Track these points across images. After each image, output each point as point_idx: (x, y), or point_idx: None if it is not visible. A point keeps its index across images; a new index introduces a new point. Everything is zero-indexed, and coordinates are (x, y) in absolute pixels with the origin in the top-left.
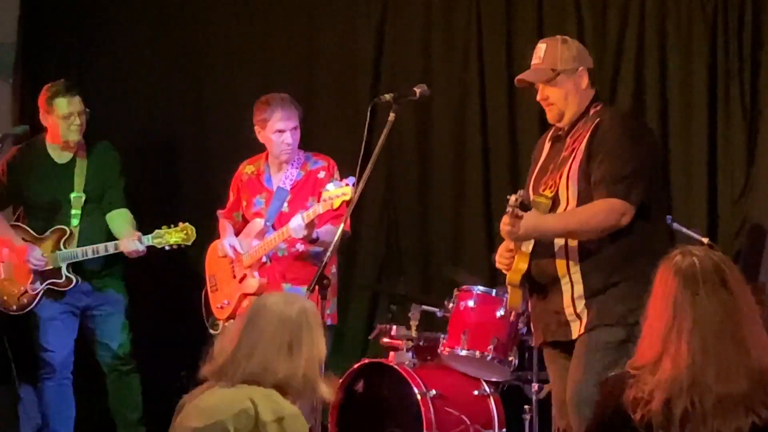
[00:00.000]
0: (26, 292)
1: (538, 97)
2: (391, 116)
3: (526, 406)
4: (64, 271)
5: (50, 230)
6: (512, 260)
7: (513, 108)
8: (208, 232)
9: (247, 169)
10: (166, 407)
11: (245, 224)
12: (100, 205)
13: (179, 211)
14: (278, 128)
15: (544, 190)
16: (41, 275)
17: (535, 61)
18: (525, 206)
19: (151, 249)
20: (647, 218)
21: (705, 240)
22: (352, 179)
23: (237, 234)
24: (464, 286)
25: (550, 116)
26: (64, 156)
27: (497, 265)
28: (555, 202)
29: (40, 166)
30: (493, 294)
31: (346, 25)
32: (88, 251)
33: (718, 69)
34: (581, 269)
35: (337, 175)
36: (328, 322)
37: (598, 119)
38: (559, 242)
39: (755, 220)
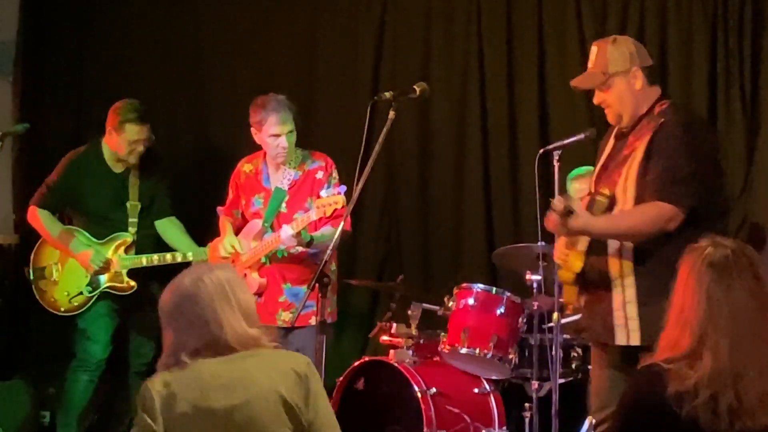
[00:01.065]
0: (80, 294)
1: (595, 101)
2: (391, 114)
3: (526, 404)
4: (125, 276)
5: (110, 236)
6: (567, 258)
7: (513, 107)
8: (208, 232)
9: (245, 167)
10: None
11: (245, 222)
12: (150, 213)
13: (179, 210)
14: (273, 132)
15: (602, 189)
16: (99, 279)
17: (589, 65)
18: (569, 210)
19: None
20: (702, 225)
21: None
22: (343, 188)
23: (237, 232)
24: (464, 284)
25: (609, 118)
26: (120, 165)
27: (556, 260)
28: (612, 201)
29: (97, 173)
30: (493, 292)
31: (347, 24)
32: (154, 259)
33: (719, 67)
34: (634, 273)
35: (335, 174)
36: (329, 320)
37: (662, 120)
38: (613, 245)
39: (755, 218)
